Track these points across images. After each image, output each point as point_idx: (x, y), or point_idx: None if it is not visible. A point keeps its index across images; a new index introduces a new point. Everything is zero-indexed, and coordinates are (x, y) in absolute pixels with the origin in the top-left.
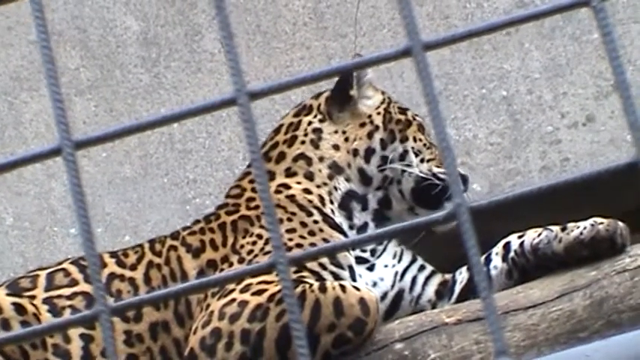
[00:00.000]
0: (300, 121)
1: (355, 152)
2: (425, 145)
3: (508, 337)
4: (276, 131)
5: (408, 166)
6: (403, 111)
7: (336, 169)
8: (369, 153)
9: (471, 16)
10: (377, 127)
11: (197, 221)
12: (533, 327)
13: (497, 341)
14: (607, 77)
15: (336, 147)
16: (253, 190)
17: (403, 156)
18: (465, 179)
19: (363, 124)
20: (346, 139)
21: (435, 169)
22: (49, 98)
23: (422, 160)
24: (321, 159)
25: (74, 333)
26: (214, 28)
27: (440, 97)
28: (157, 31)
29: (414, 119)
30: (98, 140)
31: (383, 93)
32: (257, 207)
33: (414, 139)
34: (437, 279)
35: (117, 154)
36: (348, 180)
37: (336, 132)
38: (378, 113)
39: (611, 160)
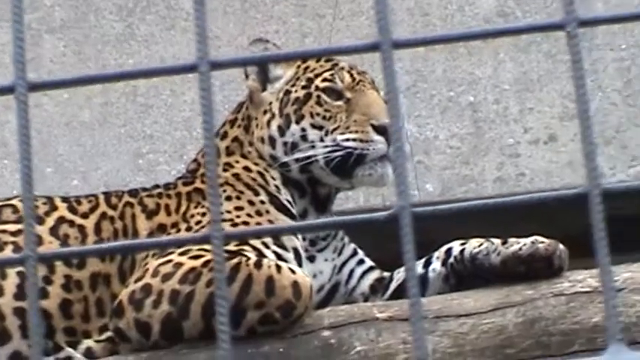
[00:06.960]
0: (243, 103)
1: (262, 140)
2: (325, 116)
3: (436, 342)
4: (233, 111)
5: (312, 147)
6: (308, 83)
7: (259, 154)
8: (272, 141)
9: (450, 18)
10: (273, 115)
11: (156, 186)
12: (462, 336)
13: (419, 349)
14: (575, 100)
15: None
16: None
17: (304, 136)
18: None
19: (265, 112)
20: (257, 126)
21: (339, 138)
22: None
23: (326, 133)
24: (250, 143)
25: (12, 270)
26: None
27: (407, 92)
28: None
29: (317, 89)
30: (53, 85)
31: (298, 66)
32: None
33: (311, 115)
34: (374, 274)
35: (78, 97)
36: (270, 166)
37: (256, 118)
38: (277, 99)
39: (566, 182)
